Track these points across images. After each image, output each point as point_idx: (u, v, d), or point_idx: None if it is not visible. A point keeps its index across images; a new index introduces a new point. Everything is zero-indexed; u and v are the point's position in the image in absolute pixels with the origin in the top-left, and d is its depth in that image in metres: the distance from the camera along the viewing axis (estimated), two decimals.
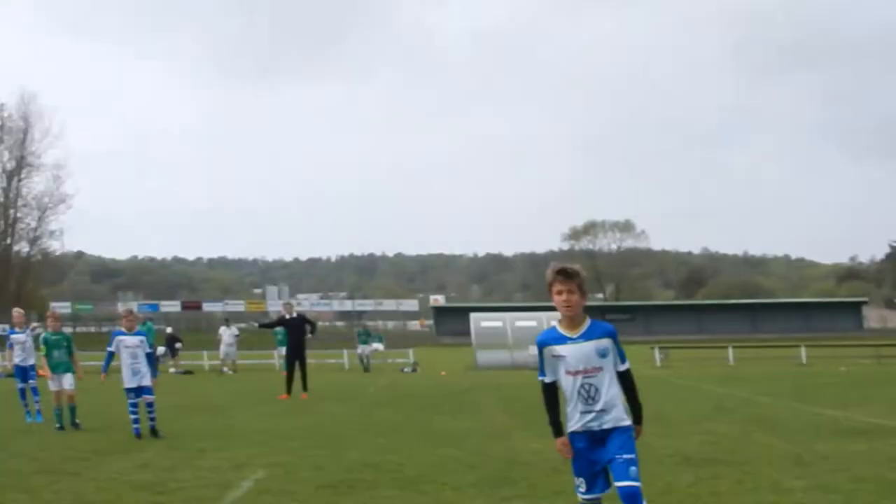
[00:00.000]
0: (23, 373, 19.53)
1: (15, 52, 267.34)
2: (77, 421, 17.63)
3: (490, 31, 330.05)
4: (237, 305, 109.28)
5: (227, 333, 42.80)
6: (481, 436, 15.70)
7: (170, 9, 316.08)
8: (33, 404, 19.29)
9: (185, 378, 37.77)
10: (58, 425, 17.44)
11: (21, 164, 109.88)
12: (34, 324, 20.89)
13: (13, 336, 19.81)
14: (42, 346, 17.99)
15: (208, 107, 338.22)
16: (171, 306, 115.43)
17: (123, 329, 16.36)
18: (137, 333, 16.36)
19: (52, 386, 17.73)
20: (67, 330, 19.74)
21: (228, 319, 47.18)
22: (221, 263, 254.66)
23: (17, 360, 19.63)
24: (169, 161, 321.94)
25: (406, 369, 43.09)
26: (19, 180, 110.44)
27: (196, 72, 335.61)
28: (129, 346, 16.08)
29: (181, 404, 23.08)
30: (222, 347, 42.57)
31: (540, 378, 7.17)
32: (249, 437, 15.77)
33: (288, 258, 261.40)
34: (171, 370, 42.29)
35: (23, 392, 19.53)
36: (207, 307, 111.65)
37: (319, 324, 40.48)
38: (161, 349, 42.92)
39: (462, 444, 14.53)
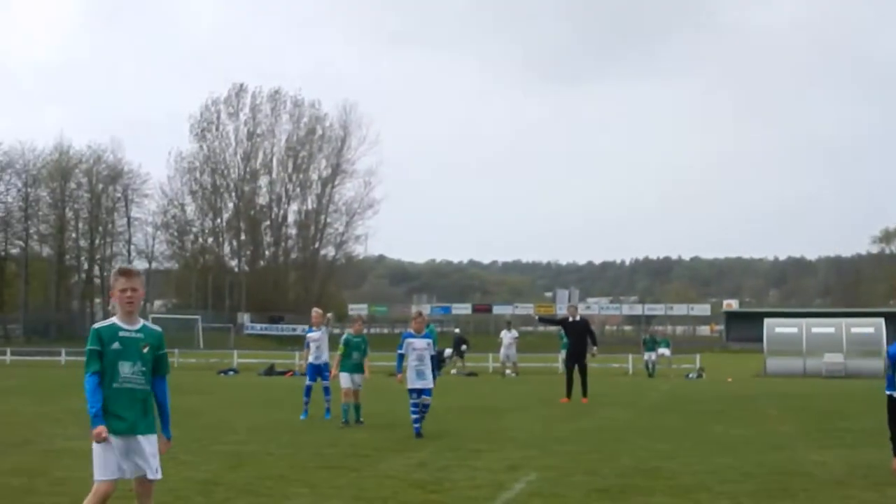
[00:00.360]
0: (315, 371, 20.06)
1: (341, 63, 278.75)
2: (361, 419, 18.27)
3: (806, 23, 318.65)
4: (527, 308, 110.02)
5: (507, 336, 43.28)
6: (761, 445, 15.25)
7: (485, 14, 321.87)
8: (323, 402, 19.75)
9: (468, 380, 38.37)
10: (344, 420, 18.17)
11: (336, 172, 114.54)
12: (328, 315, 21.56)
13: (309, 335, 20.44)
14: (342, 347, 18.66)
15: (512, 110, 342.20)
16: (463, 309, 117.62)
17: (413, 331, 16.78)
18: (425, 336, 16.72)
19: (345, 384, 18.47)
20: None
21: (510, 322, 47.59)
22: (515, 267, 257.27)
23: (311, 359, 20.13)
24: (474, 166, 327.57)
25: (691, 375, 42.29)
26: (332, 187, 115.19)
27: (509, 75, 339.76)
28: (417, 349, 16.46)
29: (461, 405, 23.45)
30: (502, 350, 43.01)
31: (888, 392, 6.62)
32: (525, 440, 15.89)
33: (581, 262, 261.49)
34: (453, 371, 43.02)
35: (308, 389, 20.02)
36: (497, 310, 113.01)
37: (607, 327, 40.24)
38: (448, 350, 43.83)
39: (741, 452, 14.17)
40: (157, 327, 7.33)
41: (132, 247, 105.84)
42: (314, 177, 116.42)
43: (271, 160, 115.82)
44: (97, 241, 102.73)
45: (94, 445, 6.89)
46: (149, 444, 7.10)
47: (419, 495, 10.45)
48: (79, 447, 13.95)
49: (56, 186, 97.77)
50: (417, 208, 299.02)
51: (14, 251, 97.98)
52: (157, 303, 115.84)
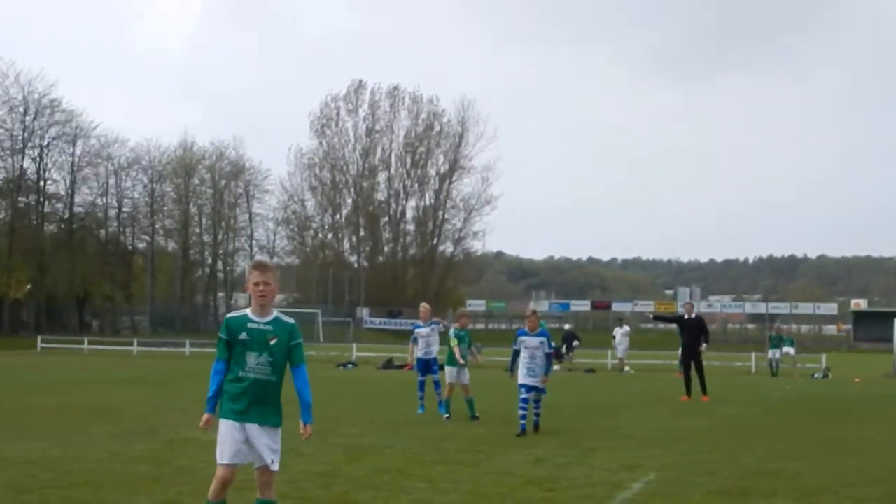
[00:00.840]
0: (424, 366, 20.15)
1: (459, 61, 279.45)
2: (476, 414, 18.28)
3: None
4: (646, 306, 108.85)
5: (619, 333, 42.99)
6: (891, 448, 14.88)
7: (611, 9, 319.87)
8: (438, 396, 19.77)
9: (585, 377, 38.13)
10: (446, 415, 18.39)
11: (454, 168, 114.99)
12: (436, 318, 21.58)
13: (417, 330, 20.47)
14: (454, 339, 18.67)
15: (633, 106, 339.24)
16: (582, 306, 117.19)
17: (527, 329, 16.72)
18: (539, 334, 16.63)
19: (449, 378, 18.57)
20: (479, 327, 20.37)
21: (622, 319, 47.33)
22: (635, 264, 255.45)
23: (419, 354, 20.27)
24: (596, 162, 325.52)
25: (816, 375, 41.39)
26: (450, 183, 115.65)
27: (632, 70, 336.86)
28: (529, 347, 16.40)
29: (579, 402, 23.33)
30: (619, 346, 42.71)
31: None
32: (643, 438, 15.73)
33: (703, 259, 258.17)
34: (555, 367, 42.82)
35: (422, 384, 20.15)
36: (617, 307, 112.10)
37: (730, 326, 39.58)
38: (576, 342, 43.69)
39: (868, 455, 13.86)
40: (291, 319, 7.45)
41: (254, 242, 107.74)
42: (432, 172, 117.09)
43: (389, 156, 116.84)
44: (220, 237, 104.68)
45: (219, 430, 7.17)
46: (266, 435, 7.24)
47: (536, 492, 10.40)
48: (203, 437, 14.21)
49: (180, 182, 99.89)
50: (537, 205, 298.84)
51: (141, 245, 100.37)
52: (279, 297, 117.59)
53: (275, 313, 7.33)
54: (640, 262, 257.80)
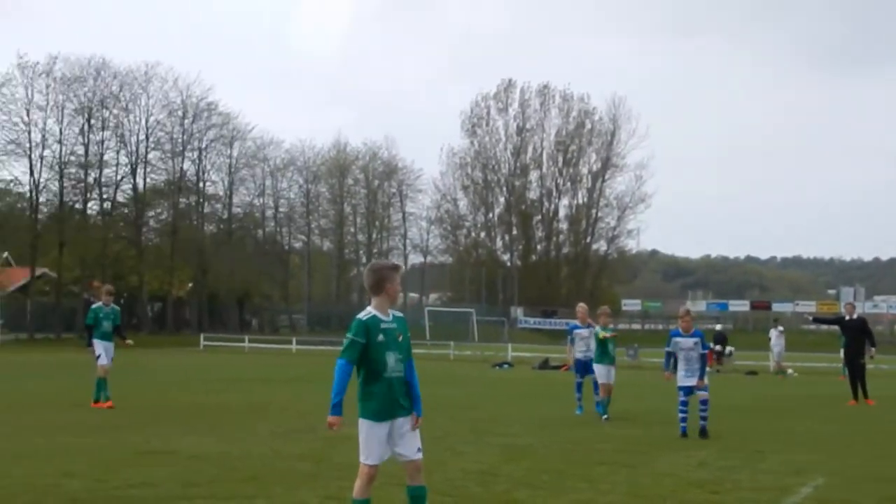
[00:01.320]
0: (583, 367, 19.74)
1: (610, 59, 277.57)
2: (606, 415, 18.13)
3: None
4: (808, 306, 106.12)
5: (774, 334, 41.96)
6: None
7: (758, 4, 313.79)
8: (596, 397, 19.25)
9: (746, 379, 37.40)
10: (605, 416, 18.26)
11: (606, 166, 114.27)
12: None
13: (576, 331, 20.06)
14: (601, 333, 18.69)
15: (788, 100, 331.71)
16: (740, 306, 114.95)
17: (680, 329, 16.41)
18: (694, 335, 16.30)
19: (600, 378, 18.53)
20: (636, 327, 20.12)
21: (777, 319, 46.26)
22: (795, 263, 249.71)
23: (578, 355, 19.89)
24: (751, 159, 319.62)
25: None
26: (603, 181, 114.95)
27: (784, 65, 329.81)
28: (684, 348, 16.12)
29: (742, 405, 22.89)
30: (775, 349, 41.66)
31: None
32: (810, 442, 15.30)
33: (867, 258, 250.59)
34: (715, 369, 42.02)
35: (579, 385, 19.86)
36: (777, 307, 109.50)
37: None
38: (730, 348, 42.90)
39: None
40: (400, 313, 7.58)
41: (407, 241, 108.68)
42: (584, 171, 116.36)
43: (541, 155, 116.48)
44: (374, 236, 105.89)
45: (361, 431, 7.42)
46: (407, 425, 7.43)
47: (698, 495, 10.21)
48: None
49: (335, 183, 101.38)
50: (692, 203, 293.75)
51: (297, 245, 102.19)
52: (433, 296, 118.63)
53: (390, 311, 7.47)
54: (801, 261, 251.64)
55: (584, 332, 19.91)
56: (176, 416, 17.40)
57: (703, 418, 15.79)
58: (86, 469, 11.00)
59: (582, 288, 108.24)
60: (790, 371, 41.16)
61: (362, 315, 7.41)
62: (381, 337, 7.25)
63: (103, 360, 19.39)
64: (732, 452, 13.65)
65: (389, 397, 7.32)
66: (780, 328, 42.82)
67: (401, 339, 7.38)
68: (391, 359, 7.29)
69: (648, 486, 10.61)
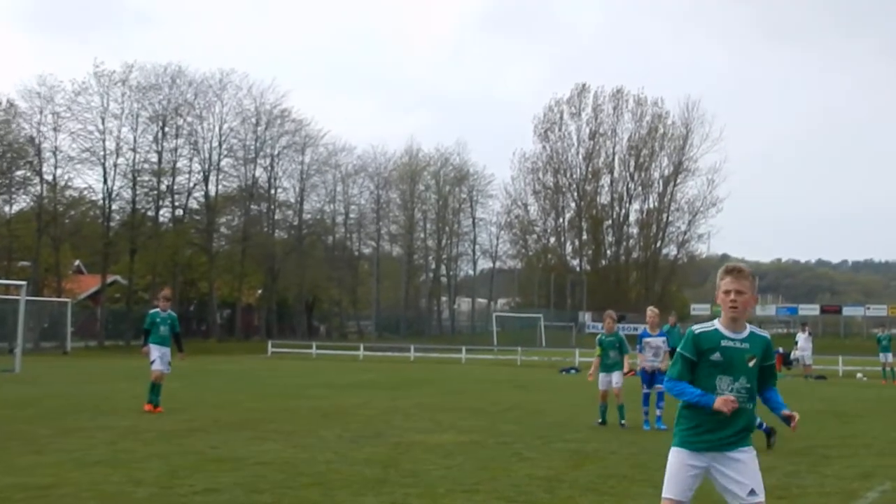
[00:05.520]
0: (648, 377, 18.60)
1: (680, 62, 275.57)
2: (624, 421, 17.98)
3: None
4: (879, 310, 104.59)
5: (801, 338, 41.57)
6: None
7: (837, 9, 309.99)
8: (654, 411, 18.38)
9: (816, 383, 37.00)
10: (600, 421, 18.31)
11: (678, 170, 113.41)
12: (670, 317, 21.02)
13: (645, 339, 18.87)
14: (598, 348, 18.64)
15: (863, 106, 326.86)
16: (810, 310, 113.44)
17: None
18: (660, 334, 16.25)
19: (601, 385, 18.45)
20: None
21: (805, 323, 46.00)
22: (867, 266, 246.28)
23: (645, 364, 18.76)
24: (823, 163, 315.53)
25: None
26: (674, 185, 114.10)
27: (860, 69, 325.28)
28: (653, 347, 16.28)
29: (809, 409, 22.60)
30: (803, 353, 41.16)
31: None
32: (878, 447, 15.14)
33: None
34: (785, 375, 41.58)
35: (646, 398, 18.59)
36: (847, 311, 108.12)
37: None
38: (797, 353, 42.38)
39: None
40: (765, 333, 6.25)
41: (477, 247, 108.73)
42: (656, 175, 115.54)
43: (613, 159, 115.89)
44: (443, 241, 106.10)
45: (671, 458, 6.15)
46: (738, 462, 5.99)
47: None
48: (428, 440, 14.46)
49: (405, 189, 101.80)
50: (764, 206, 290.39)
51: (367, 251, 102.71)
52: (501, 301, 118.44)
53: (749, 328, 6.15)
54: (873, 264, 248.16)
55: (652, 340, 18.76)
56: (242, 423, 17.57)
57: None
58: (152, 476, 11.16)
59: (651, 292, 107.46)
60: (860, 376, 40.64)
61: (698, 326, 6.25)
62: (716, 356, 5.94)
63: (157, 366, 19.55)
64: (799, 457, 13.56)
65: (716, 429, 5.95)
66: (809, 332, 42.50)
67: (752, 363, 6.06)
68: (723, 384, 5.93)
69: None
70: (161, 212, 78.89)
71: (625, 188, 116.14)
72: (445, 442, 14.67)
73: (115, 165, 73.70)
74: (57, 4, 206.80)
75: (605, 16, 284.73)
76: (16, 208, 72.30)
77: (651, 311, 19.32)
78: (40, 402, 21.45)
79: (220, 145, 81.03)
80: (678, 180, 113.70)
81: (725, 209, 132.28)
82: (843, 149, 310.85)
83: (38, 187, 70.80)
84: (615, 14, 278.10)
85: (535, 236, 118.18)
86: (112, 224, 75.61)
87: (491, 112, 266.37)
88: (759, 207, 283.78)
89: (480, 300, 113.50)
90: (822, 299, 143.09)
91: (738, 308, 6.03)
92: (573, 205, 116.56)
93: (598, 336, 18.78)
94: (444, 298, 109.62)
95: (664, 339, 18.79)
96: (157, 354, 19.69)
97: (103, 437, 14.78)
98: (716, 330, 6.07)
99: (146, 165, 76.02)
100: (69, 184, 73.05)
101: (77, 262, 79.73)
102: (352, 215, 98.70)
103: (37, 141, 70.33)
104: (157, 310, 20.23)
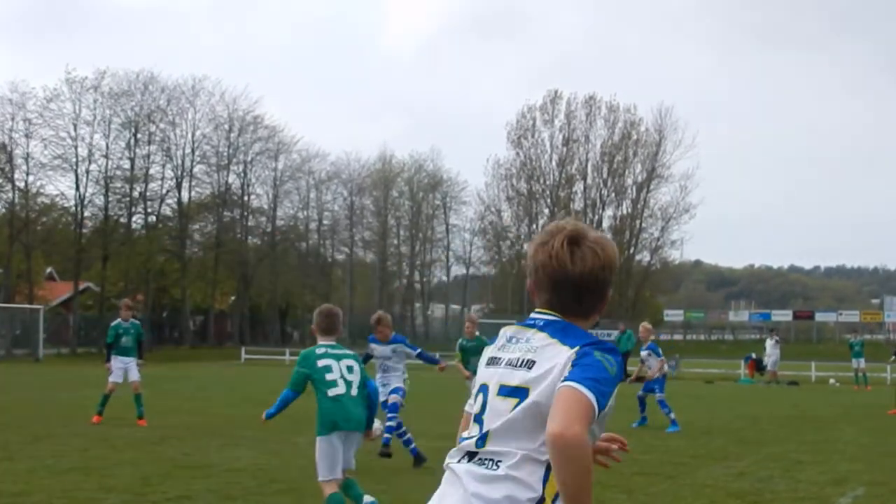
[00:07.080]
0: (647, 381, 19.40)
1: (655, 68, 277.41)
2: (637, 425, 18.00)
3: None
4: (851, 316, 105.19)
5: (769, 344, 42.06)
6: None
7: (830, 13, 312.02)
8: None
9: (788, 389, 37.20)
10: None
11: (651, 176, 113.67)
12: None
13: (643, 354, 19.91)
14: (458, 353, 17.34)
15: (833, 114, 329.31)
16: (783, 315, 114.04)
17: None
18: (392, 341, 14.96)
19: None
20: (678, 338, 19.96)
21: (773, 329, 46.58)
22: (839, 272, 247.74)
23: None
24: (795, 169, 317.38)
25: None
26: (647, 192, 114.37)
27: (853, 76, 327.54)
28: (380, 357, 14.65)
29: (782, 414, 22.75)
30: (769, 358, 41.57)
31: None
32: (850, 452, 15.22)
33: None
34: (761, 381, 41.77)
35: (641, 399, 19.43)
36: (820, 317, 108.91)
37: None
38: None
39: None
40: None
41: (450, 253, 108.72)
42: (629, 182, 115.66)
43: (586, 166, 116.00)
44: (417, 248, 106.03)
45: None
46: None
47: None
48: (400, 446, 14.43)
49: (379, 195, 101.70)
50: (736, 213, 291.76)
51: (340, 257, 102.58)
52: (475, 307, 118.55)
53: None
54: (845, 270, 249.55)
55: (642, 353, 19.64)
56: (215, 429, 17.51)
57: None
58: (124, 483, 11.11)
59: (625, 298, 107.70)
60: (832, 381, 40.83)
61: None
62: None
63: (115, 378, 19.08)
64: (773, 462, 13.61)
65: None
66: (777, 338, 42.88)
67: None
68: None
69: (687, 497, 10.60)
70: (134, 218, 78.56)
71: (598, 194, 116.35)
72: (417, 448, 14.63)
73: (88, 172, 73.35)
74: (27, 10, 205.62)
75: (579, 23, 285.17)
76: None
77: (644, 326, 20.50)
78: (11, 410, 21.30)
79: (192, 152, 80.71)
80: (651, 187, 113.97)
81: (698, 215, 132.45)
82: (815, 154, 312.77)
83: (10, 194, 70.26)
84: (589, 21, 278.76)
85: (508, 242, 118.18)
86: (84, 231, 75.25)
87: (465, 119, 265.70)
88: (732, 213, 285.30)
89: (454, 306, 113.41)
90: (794, 305, 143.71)
91: None
92: (546, 211, 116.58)
93: (459, 341, 17.40)
94: (417, 305, 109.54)
95: (648, 352, 19.52)
96: (122, 366, 19.16)
97: (75, 445, 14.69)
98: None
99: (119, 172, 75.68)
100: (41, 190, 72.70)
101: (49, 269, 79.20)
102: (325, 222, 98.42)
103: (8, 148, 69.73)
104: (119, 321, 19.88)
